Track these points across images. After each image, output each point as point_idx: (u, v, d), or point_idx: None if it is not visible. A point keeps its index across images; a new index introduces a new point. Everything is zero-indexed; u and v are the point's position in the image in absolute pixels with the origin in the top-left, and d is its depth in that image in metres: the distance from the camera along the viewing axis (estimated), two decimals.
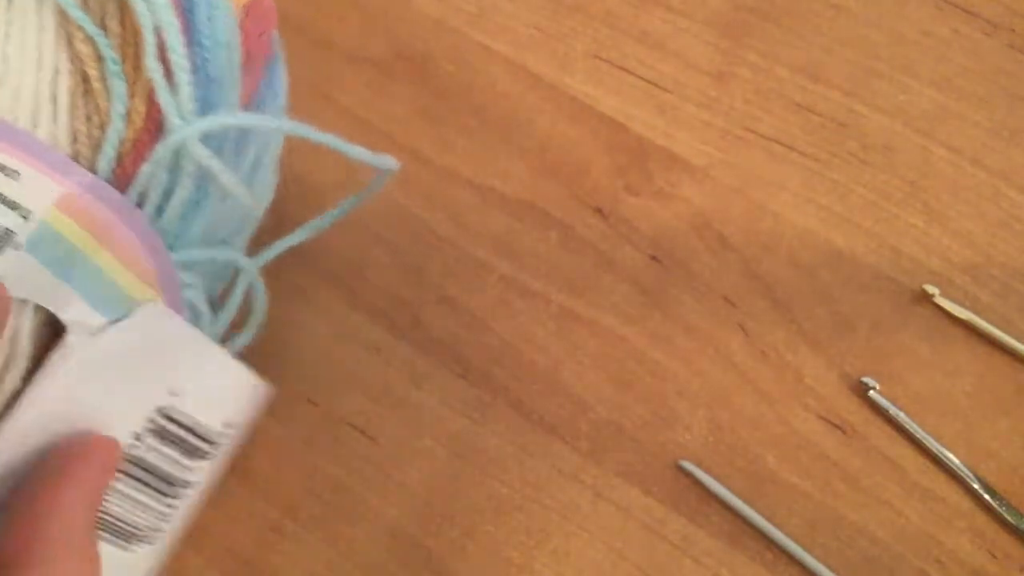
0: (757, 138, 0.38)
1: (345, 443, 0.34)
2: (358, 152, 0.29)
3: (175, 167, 0.27)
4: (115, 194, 0.25)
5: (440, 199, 0.37)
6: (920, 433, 0.33)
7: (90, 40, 0.25)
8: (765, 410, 0.34)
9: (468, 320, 0.35)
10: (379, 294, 0.36)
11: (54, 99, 0.25)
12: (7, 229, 0.24)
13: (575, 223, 0.36)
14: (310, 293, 0.36)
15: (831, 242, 0.36)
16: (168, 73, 0.26)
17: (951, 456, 0.32)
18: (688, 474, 0.33)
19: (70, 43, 0.25)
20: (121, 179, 0.26)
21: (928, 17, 0.39)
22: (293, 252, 0.35)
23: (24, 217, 0.24)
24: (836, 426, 0.33)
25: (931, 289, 0.34)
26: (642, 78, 0.39)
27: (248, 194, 0.29)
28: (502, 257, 0.36)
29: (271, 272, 0.33)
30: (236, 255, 0.31)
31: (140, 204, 0.27)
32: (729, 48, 0.39)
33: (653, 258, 0.36)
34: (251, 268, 0.31)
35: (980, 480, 0.32)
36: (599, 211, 0.37)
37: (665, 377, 0.34)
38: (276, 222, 0.34)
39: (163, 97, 0.25)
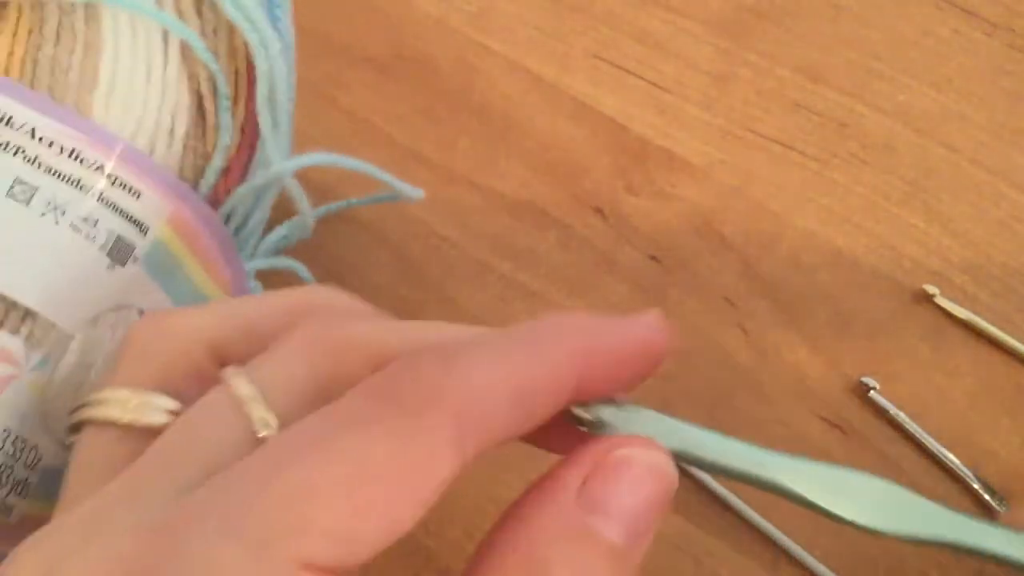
0: (757, 138, 0.38)
1: None
2: (400, 185, 0.33)
3: (262, 192, 0.30)
4: (212, 213, 0.28)
5: (440, 199, 0.37)
6: (920, 433, 0.33)
7: (212, 78, 0.27)
8: (765, 410, 0.34)
9: (468, 320, 0.35)
10: (379, 294, 0.36)
11: (172, 130, 0.27)
12: (129, 243, 0.26)
13: (575, 223, 0.36)
14: None
15: (831, 242, 0.36)
16: (272, 112, 0.28)
17: (951, 456, 0.32)
18: (687, 474, 0.33)
19: (192, 78, 0.27)
20: (213, 199, 0.28)
21: (928, 17, 0.39)
22: (293, 251, 0.35)
23: (143, 233, 0.26)
24: (836, 426, 0.33)
25: (931, 289, 0.34)
26: (642, 78, 0.39)
27: (312, 216, 0.32)
28: (502, 257, 0.36)
29: (270, 273, 0.33)
30: (296, 263, 0.33)
31: (226, 221, 0.29)
32: (729, 48, 0.39)
33: (653, 258, 0.36)
34: (306, 273, 0.34)
35: (980, 480, 0.32)
36: (599, 211, 0.37)
37: (665, 377, 0.34)
38: (284, 215, 0.34)
39: (267, 134, 0.28)
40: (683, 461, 0.20)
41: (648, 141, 0.38)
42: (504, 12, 0.40)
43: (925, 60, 0.38)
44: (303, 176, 0.37)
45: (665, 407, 0.34)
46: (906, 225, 0.36)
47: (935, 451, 0.32)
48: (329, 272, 0.36)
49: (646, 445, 0.19)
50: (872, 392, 0.33)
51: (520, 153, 0.38)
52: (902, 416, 0.33)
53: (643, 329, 0.20)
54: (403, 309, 0.36)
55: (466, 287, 0.36)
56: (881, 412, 0.33)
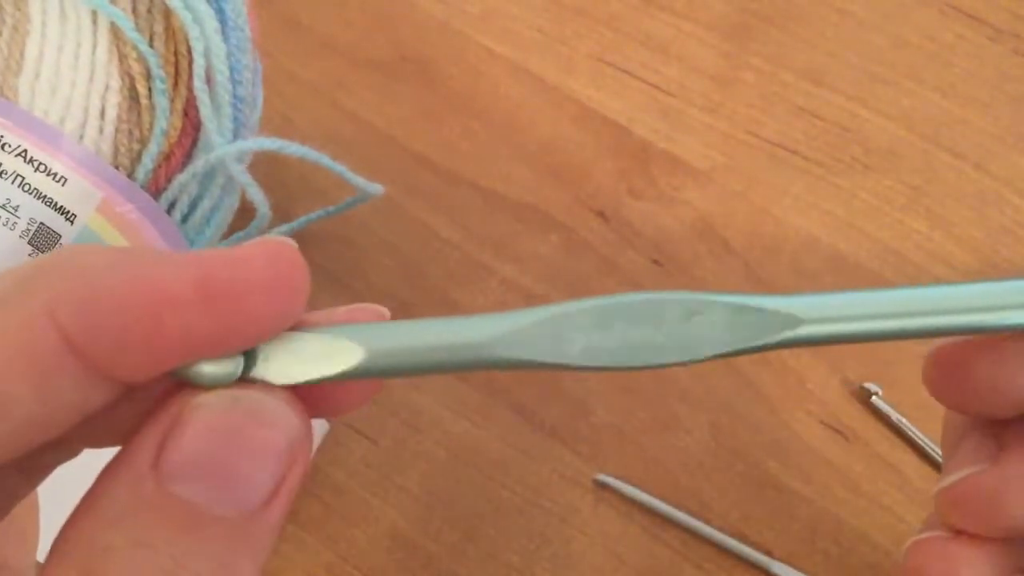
0: (760, 142, 0.38)
1: (345, 445, 0.34)
2: (357, 180, 0.31)
3: (206, 179, 0.28)
4: (150, 201, 0.27)
5: (443, 201, 0.37)
6: (922, 439, 0.32)
7: (142, 59, 0.27)
8: (767, 415, 0.33)
9: None
10: (381, 296, 0.36)
11: (102, 113, 0.26)
12: (54, 232, 0.25)
13: (577, 226, 0.36)
14: (310, 294, 0.36)
15: (834, 247, 0.36)
16: (212, 94, 0.27)
17: None
18: (604, 485, 0.33)
19: (122, 60, 0.27)
20: (154, 186, 0.27)
21: (932, 22, 0.39)
22: None
23: (70, 221, 0.25)
24: (838, 431, 0.33)
25: None
26: (645, 81, 0.39)
27: (266, 204, 0.30)
28: (504, 260, 0.36)
29: None
30: None
31: (169, 210, 0.28)
32: (733, 52, 0.39)
33: (655, 262, 0.36)
34: None
35: None
36: (601, 214, 0.37)
37: (667, 381, 0.34)
38: (281, 218, 0.34)
39: (207, 116, 0.27)
40: (373, 374, 0.16)
41: (651, 144, 0.38)
42: (507, 15, 0.40)
43: (929, 65, 0.38)
44: (304, 180, 0.37)
45: (666, 412, 0.34)
46: (909, 230, 0.36)
47: (937, 457, 0.32)
48: (329, 274, 0.36)
49: (240, 385, 0.15)
50: (874, 397, 0.33)
51: (523, 156, 0.38)
52: (904, 422, 0.33)
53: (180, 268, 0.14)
54: (404, 312, 0.36)
55: (468, 289, 0.36)
56: (883, 418, 0.33)
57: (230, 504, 0.14)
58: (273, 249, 0.15)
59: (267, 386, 0.15)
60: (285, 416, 0.15)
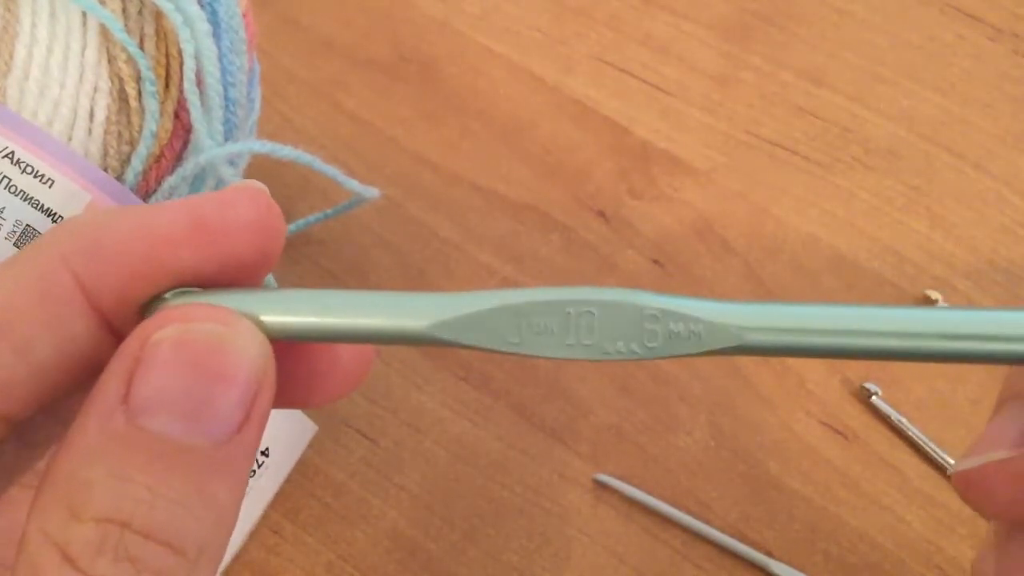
0: (760, 142, 0.38)
1: (346, 445, 0.34)
2: (351, 184, 0.31)
3: (197, 181, 0.28)
4: (139, 203, 0.27)
5: (443, 201, 0.37)
6: (922, 439, 0.32)
7: (132, 60, 0.27)
8: (767, 415, 0.33)
9: None
10: None
11: (91, 115, 0.26)
12: (40, 235, 0.25)
13: (577, 226, 0.36)
14: None
15: (834, 247, 0.36)
16: (202, 96, 0.27)
17: (953, 462, 0.32)
18: (604, 485, 0.33)
19: (111, 62, 0.27)
20: (143, 188, 0.27)
21: (932, 22, 0.39)
22: (294, 253, 0.35)
23: (57, 223, 0.25)
24: (838, 432, 0.33)
25: (934, 295, 0.34)
26: (645, 81, 0.39)
27: None
28: (504, 259, 0.36)
29: (272, 272, 0.33)
30: None
31: None
32: (733, 52, 0.39)
33: (655, 262, 0.36)
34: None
35: None
36: (601, 214, 0.37)
37: (667, 381, 0.34)
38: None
39: (197, 118, 0.27)
40: (315, 337, 0.17)
41: (650, 144, 0.38)
42: (507, 14, 0.40)
43: (929, 65, 0.38)
44: (305, 179, 0.37)
45: (666, 412, 0.34)
46: (909, 230, 0.36)
47: (937, 457, 0.32)
48: (330, 273, 0.36)
49: (194, 316, 0.16)
50: (874, 397, 0.33)
51: (522, 156, 0.38)
52: (904, 422, 0.33)
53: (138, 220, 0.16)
54: None
55: (468, 289, 0.36)
56: (883, 418, 0.33)
57: (199, 434, 0.15)
58: (252, 192, 0.17)
59: (222, 317, 0.16)
60: (239, 344, 0.16)
